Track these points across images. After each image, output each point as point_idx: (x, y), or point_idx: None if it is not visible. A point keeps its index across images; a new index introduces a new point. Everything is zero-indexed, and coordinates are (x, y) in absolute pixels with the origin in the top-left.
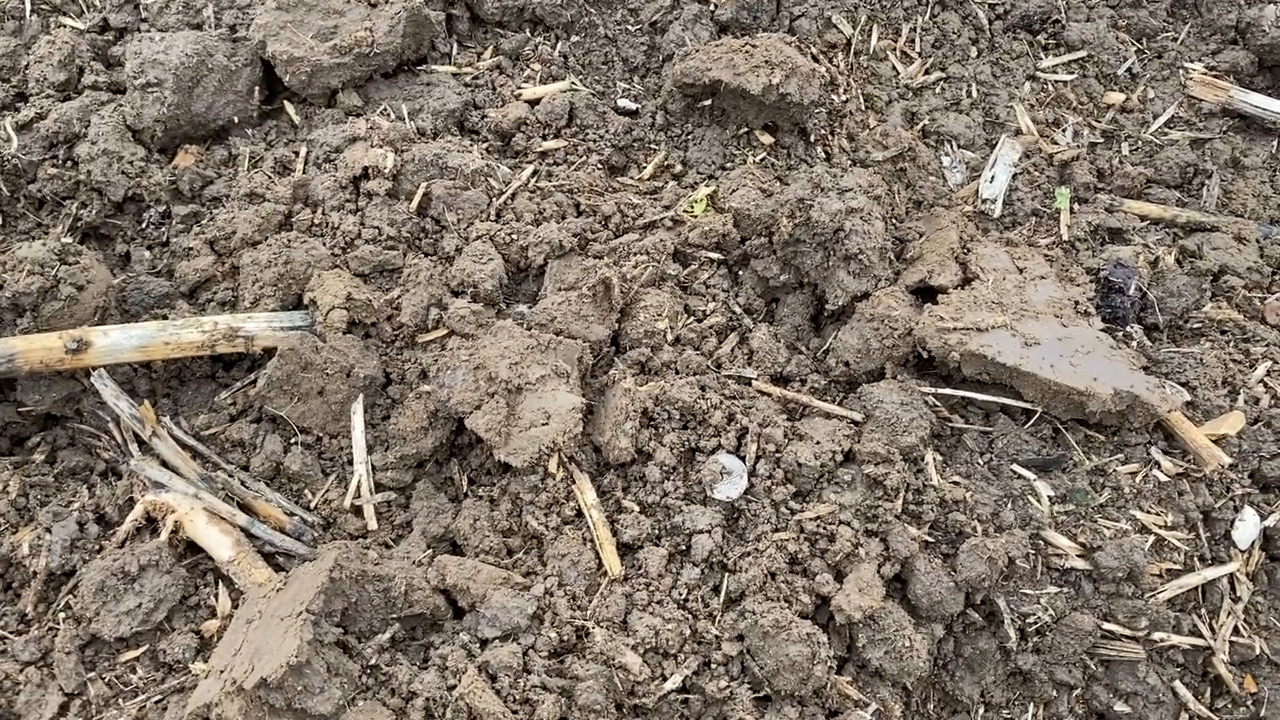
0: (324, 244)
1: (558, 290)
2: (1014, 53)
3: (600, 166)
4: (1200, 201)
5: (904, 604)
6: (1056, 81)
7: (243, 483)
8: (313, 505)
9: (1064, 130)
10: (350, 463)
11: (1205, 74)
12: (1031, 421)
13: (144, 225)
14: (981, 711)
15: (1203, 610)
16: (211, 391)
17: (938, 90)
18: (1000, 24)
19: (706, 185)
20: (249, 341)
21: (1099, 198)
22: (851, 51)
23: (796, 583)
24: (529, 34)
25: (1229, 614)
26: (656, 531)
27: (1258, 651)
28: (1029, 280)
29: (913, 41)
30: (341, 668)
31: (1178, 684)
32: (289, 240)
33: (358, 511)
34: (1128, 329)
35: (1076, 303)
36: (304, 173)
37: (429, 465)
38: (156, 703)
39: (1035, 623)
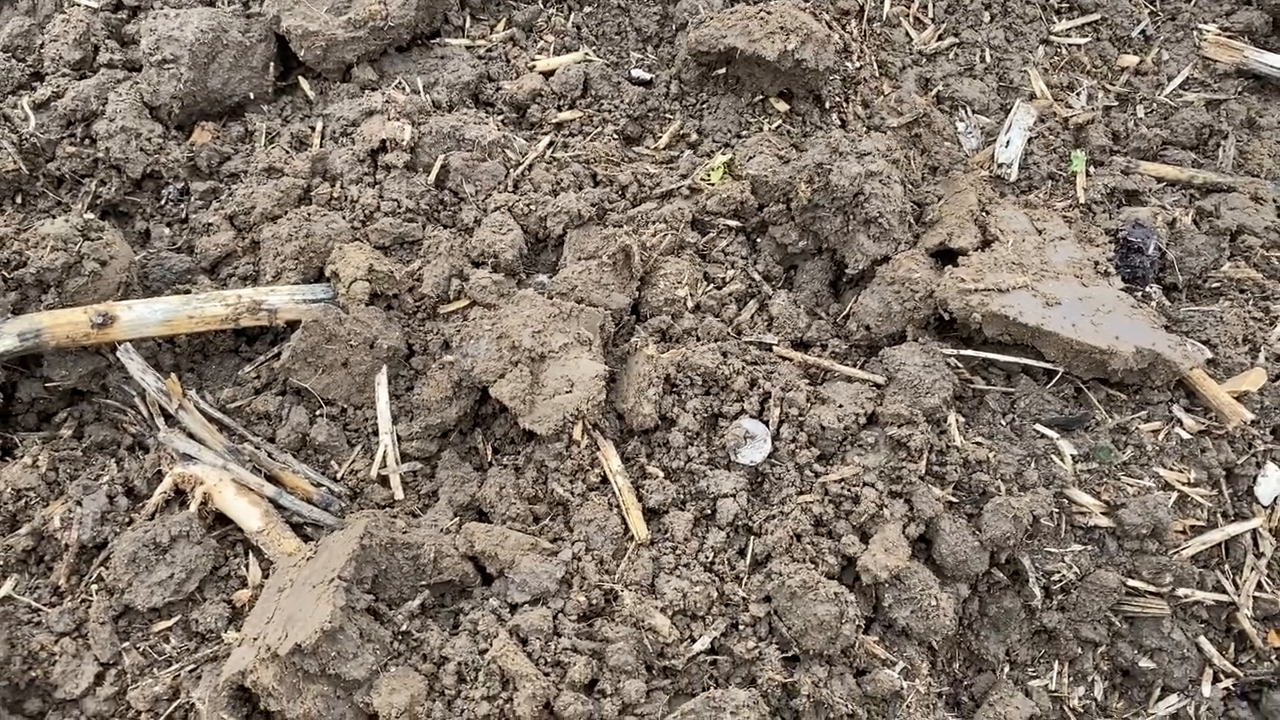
0: (343, 217)
1: (577, 259)
2: (1027, 17)
3: (616, 137)
4: (1216, 162)
5: (929, 564)
6: (1070, 45)
7: (269, 454)
8: (339, 476)
9: (1078, 94)
10: (375, 433)
11: (1219, 35)
12: (1053, 381)
13: (163, 202)
14: (1007, 669)
15: (1226, 566)
16: (235, 365)
17: (951, 56)
18: None
19: (723, 153)
20: (272, 315)
21: (1115, 160)
22: (865, 18)
23: (822, 544)
24: (541, 5)
25: (1252, 569)
26: (681, 496)
27: None
28: (1048, 241)
29: (925, 7)
30: (374, 634)
31: (1202, 639)
32: (308, 214)
33: (384, 481)
34: (1147, 289)
35: (1096, 263)
36: (321, 147)
37: (453, 435)
38: (190, 671)
39: (1060, 581)
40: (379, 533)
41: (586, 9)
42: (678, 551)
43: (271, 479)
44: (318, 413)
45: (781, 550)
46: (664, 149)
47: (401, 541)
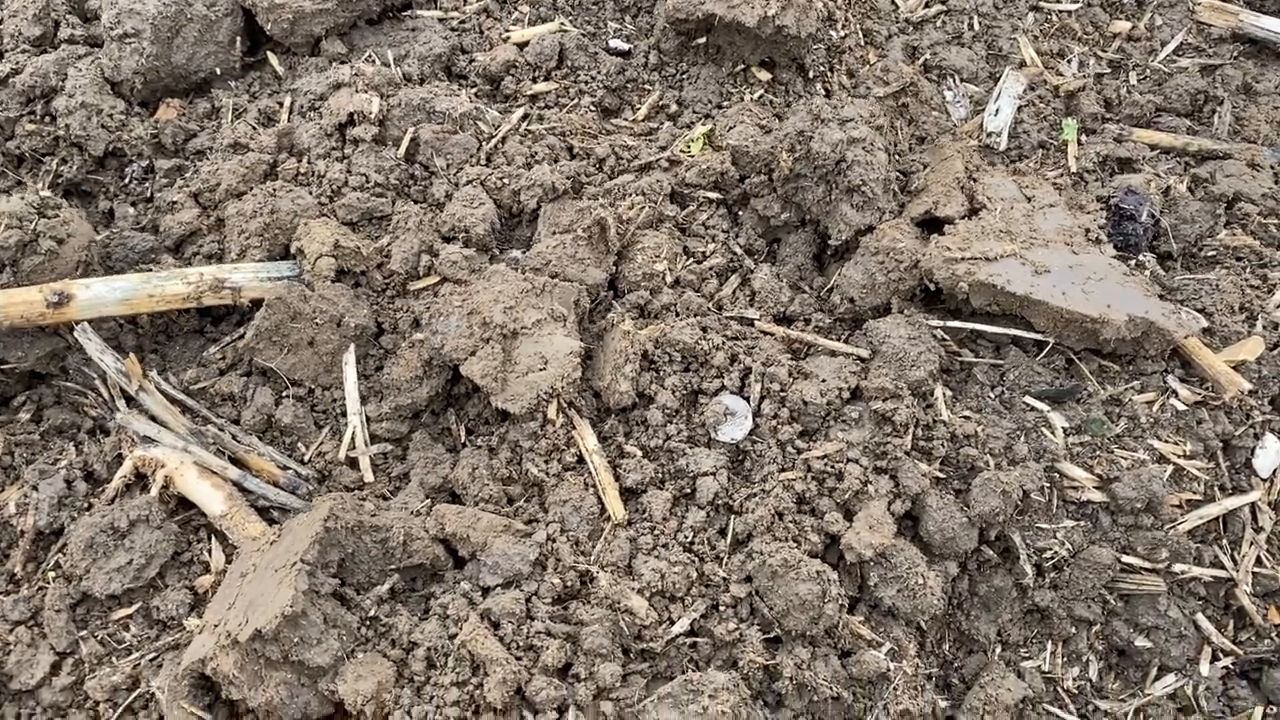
0: (310, 193)
1: (552, 233)
2: None
3: (593, 108)
4: (1212, 129)
5: (916, 542)
6: (1060, 11)
7: (234, 436)
8: (307, 458)
9: (1069, 61)
10: (344, 414)
11: None
12: (1044, 353)
13: (127, 181)
14: (999, 650)
15: (1224, 541)
16: (200, 347)
17: (938, 24)
18: None
19: (703, 124)
20: (236, 293)
21: (1107, 128)
22: None
23: (805, 522)
24: None
25: (1251, 544)
26: (660, 475)
27: None
28: (1038, 209)
29: None
30: (339, 619)
31: (1200, 617)
32: (274, 190)
33: (353, 464)
34: (1140, 257)
35: (1087, 230)
36: (288, 122)
37: (425, 415)
38: (151, 660)
39: (1052, 557)
40: (345, 515)
41: None
42: (656, 532)
43: (236, 461)
44: (284, 394)
45: (763, 529)
46: (642, 120)
47: (369, 524)
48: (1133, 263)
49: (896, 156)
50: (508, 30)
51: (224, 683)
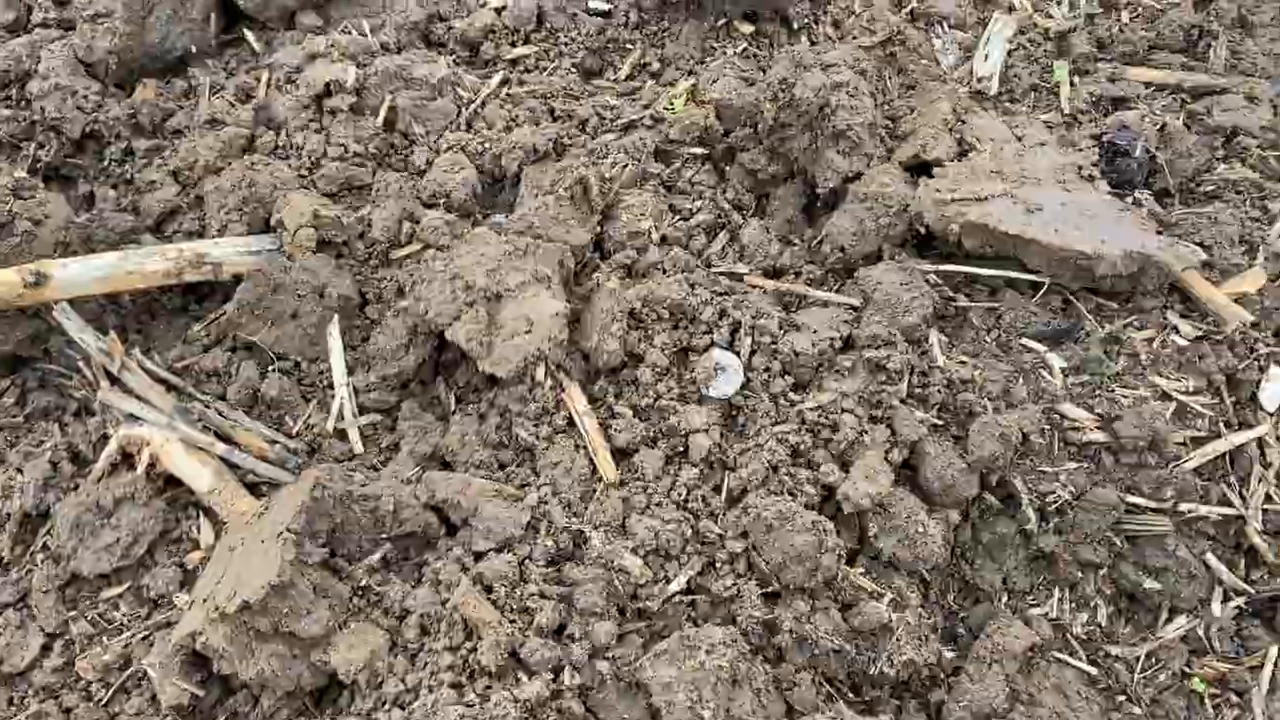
0: (289, 166)
1: (534, 195)
2: None
3: (574, 70)
4: (1208, 64)
5: (915, 490)
6: None
7: (220, 413)
8: (295, 432)
9: (1059, 2)
10: (331, 386)
11: None
12: (1040, 293)
13: (106, 163)
14: (1005, 599)
15: (1232, 478)
16: (184, 325)
17: None
18: None
19: (686, 80)
20: (217, 268)
21: (1099, 67)
22: None
23: (800, 475)
24: None
25: (1260, 480)
26: (652, 434)
27: None
28: (1028, 148)
29: None
30: (330, 589)
31: (1209, 556)
32: (252, 163)
33: (342, 436)
34: (1137, 193)
35: (1080, 167)
36: (266, 96)
37: (413, 384)
38: (143, 639)
39: (1055, 501)
40: (332, 485)
41: None
42: (649, 491)
43: (223, 437)
44: (269, 368)
45: (758, 483)
46: (625, 80)
47: (358, 494)
48: (1129, 199)
49: (885, 104)
50: None
51: (215, 657)
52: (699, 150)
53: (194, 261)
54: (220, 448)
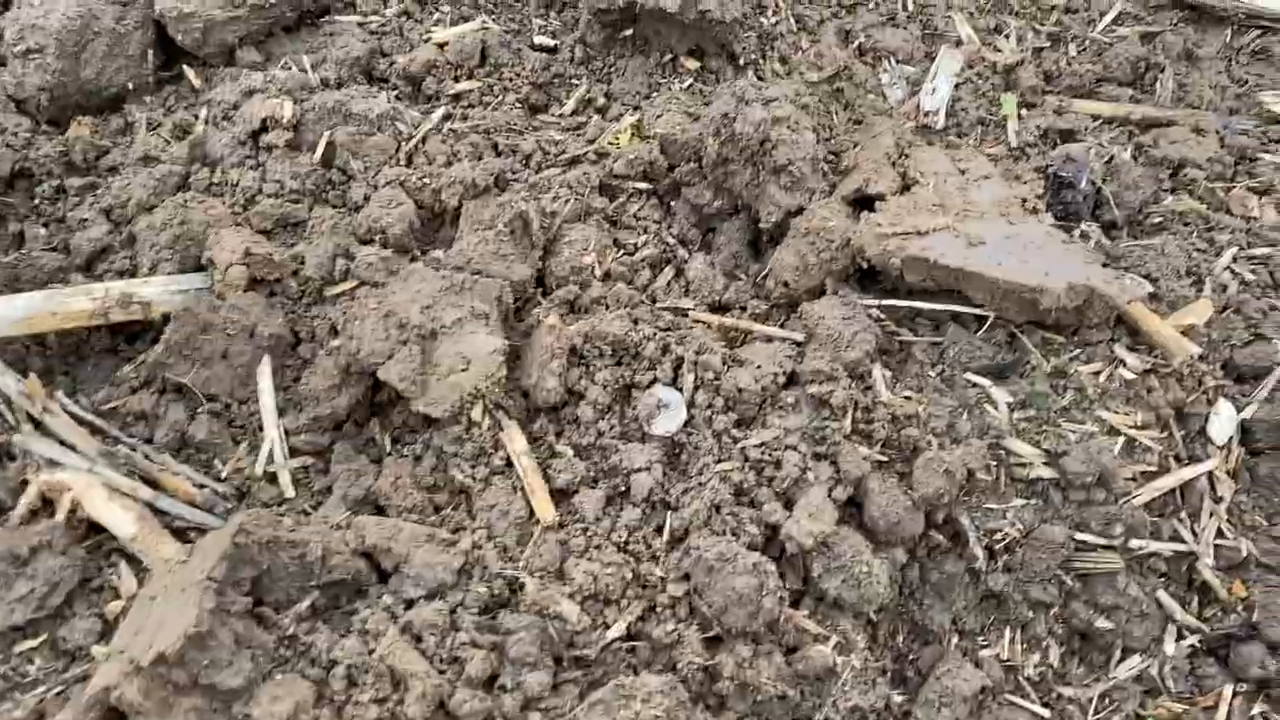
0: (223, 203)
1: (474, 230)
2: None
3: (519, 105)
4: (1155, 97)
5: (860, 529)
6: None
7: (147, 456)
8: (224, 475)
9: (1007, 36)
10: (261, 428)
11: None
12: (984, 328)
13: (37, 201)
14: (955, 640)
15: (1183, 513)
16: (113, 366)
17: (872, 5)
18: None
19: (631, 115)
20: (146, 308)
21: (1047, 100)
22: None
23: (743, 514)
24: None
25: (1211, 515)
26: (593, 474)
27: (1245, 554)
28: (971, 181)
29: None
30: (254, 639)
31: (1162, 594)
32: (185, 200)
33: (272, 479)
34: (1083, 226)
35: (1024, 200)
36: (202, 132)
37: (347, 426)
38: (58, 694)
39: (1003, 539)
40: (257, 530)
41: None
42: (589, 533)
43: (149, 481)
44: (198, 409)
45: (700, 523)
46: (570, 115)
47: (285, 539)
48: (1076, 232)
49: (830, 139)
50: (429, 31)
51: (130, 712)
52: (644, 185)
53: (121, 301)
54: (145, 492)
